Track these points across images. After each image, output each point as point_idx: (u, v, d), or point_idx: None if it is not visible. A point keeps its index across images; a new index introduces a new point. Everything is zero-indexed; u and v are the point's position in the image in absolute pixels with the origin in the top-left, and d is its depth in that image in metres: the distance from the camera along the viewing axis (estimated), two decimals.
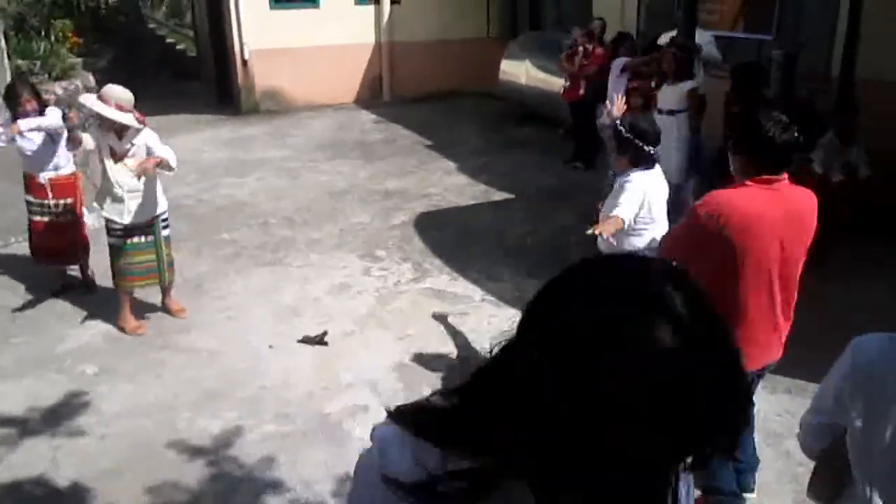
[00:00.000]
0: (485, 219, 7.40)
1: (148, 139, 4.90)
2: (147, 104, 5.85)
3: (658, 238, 3.82)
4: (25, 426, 4.12)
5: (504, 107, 11.91)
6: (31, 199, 5.55)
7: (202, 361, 4.84)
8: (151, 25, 19.58)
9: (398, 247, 6.72)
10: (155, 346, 5.03)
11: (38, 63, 12.07)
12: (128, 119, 4.70)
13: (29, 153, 5.34)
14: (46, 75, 11.57)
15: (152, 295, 5.57)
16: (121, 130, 4.80)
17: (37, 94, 5.37)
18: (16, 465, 3.79)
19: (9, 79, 9.97)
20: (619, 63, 7.47)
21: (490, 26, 13.88)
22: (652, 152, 3.84)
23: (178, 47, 18.86)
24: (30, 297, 5.72)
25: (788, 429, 4.00)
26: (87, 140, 5.01)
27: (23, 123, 5.10)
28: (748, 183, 2.85)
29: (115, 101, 4.68)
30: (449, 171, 9.13)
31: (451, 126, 11.42)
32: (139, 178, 4.79)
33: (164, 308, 5.49)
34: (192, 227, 7.28)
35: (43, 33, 13.24)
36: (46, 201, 5.50)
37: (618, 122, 3.93)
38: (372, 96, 13.42)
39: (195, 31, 17.56)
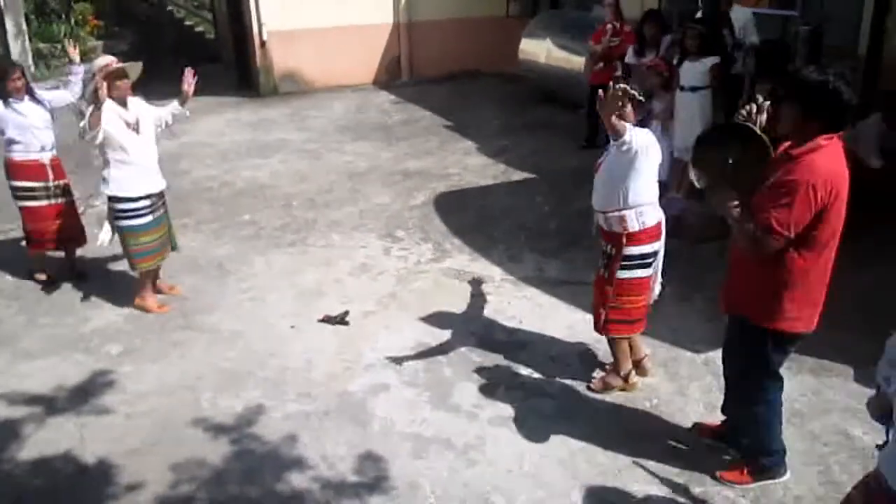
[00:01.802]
0: (505, 199, 7.36)
1: (142, 102, 5.08)
2: (166, 87, 5.87)
3: (656, 196, 3.86)
4: (52, 405, 4.18)
5: (524, 87, 11.81)
6: (23, 184, 5.45)
7: (225, 342, 4.87)
8: (170, 8, 19.61)
9: (418, 227, 6.71)
10: (178, 327, 5.07)
11: (59, 46, 12.17)
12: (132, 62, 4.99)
13: (38, 137, 5.38)
14: (66, 59, 11.65)
15: (172, 275, 5.63)
16: (125, 96, 4.88)
17: (24, 75, 5.44)
18: (43, 443, 3.85)
19: (31, 61, 10.07)
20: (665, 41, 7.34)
21: (510, 5, 13.73)
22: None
23: (196, 30, 18.88)
24: (49, 281, 5.75)
25: (813, 409, 3.98)
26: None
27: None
28: (822, 143, 2.88)
29: (110, 59, 4.87)
30: (469, 151, 9.09)
31: (471, 107, 11.35)
32: (184, 103, 5.18)
33: (155, 289, 5.45)
34: (213, 210, 7.32)
35: (63, 16, 13.35)
36: (48, 183, 5.48)
37: (627, 86, 3.83)
38: (391, 77, 13.36)
39: (214, 13, 17.55)
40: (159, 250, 5.21)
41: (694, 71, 6.31)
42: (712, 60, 6.29)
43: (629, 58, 7.51)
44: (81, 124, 4.74)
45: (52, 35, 12.42)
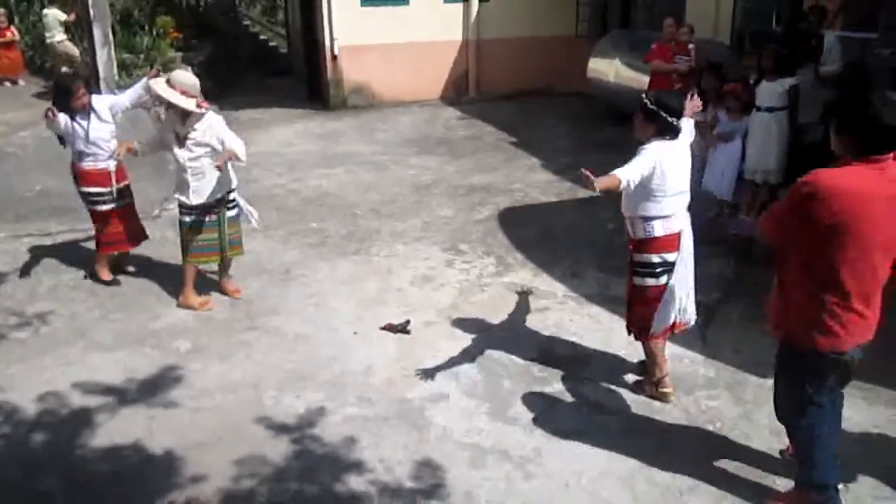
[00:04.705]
0: (569, 216, 7.33)
1: (213, 124, 5.09)
2: (240, 98, 6.13)
3: (673, 209, 3.89)
4: (123, 396, 4.33)
5: (591, 105, 11.78)
6: (91, 190, 5.63)
7: (288, 344, 4.96)
8: (246, 23, 20.22)
9: (482, 241, 6.73)
10: (244, 328, 5.18)
11: (142, 56, 12.67)
12: (190, 105, 4.92)
13: (105, 147, 5.55)
14: (148, 68, 12.11)
15: (239, 278, 5.78)
16: (186, 114, 5.00)
17: (88, 90, 5.55)
18: (114, 432, 3.99)
19: (115, 70, 10.50)
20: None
21: (579, 24, 13.73)
22: (676, 124, 3.87)
23: (270, 44, 19.42)
24: (122, 277, 5.97)
25: (886, 442, 3.83)
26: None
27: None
28: (853, 163, 2.85)
29: (181, 87, 4.92)
30: (534, 167, 9.09)
31: (537, 124, 11.36)
32: (219, 170, 5.01)
33: (220, 290, 5.66)
34: (281, 217, 7.48)
35: (146, 28, 13.89)
36: (111, 188, 5.64)
37: (643, 95, 3.99)
38: (458, 93, 13.48)
39: (287, 28, 18.05)
40: (206, 251, 5.39)
41: (771, 91, 6.19)
42: (790, 81, 6.17)
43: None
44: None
45: (135, 46, 12.95)
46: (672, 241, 3.93)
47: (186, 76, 5.09)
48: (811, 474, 3.26)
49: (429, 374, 4.55)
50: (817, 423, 3.20)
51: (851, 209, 2.80)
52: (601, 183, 3.70)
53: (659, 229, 3.92)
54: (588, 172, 3.67)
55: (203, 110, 5.01)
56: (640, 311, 4.11)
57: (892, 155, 2.83)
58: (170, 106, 4.97)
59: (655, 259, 3.97)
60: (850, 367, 3.14)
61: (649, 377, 4.28)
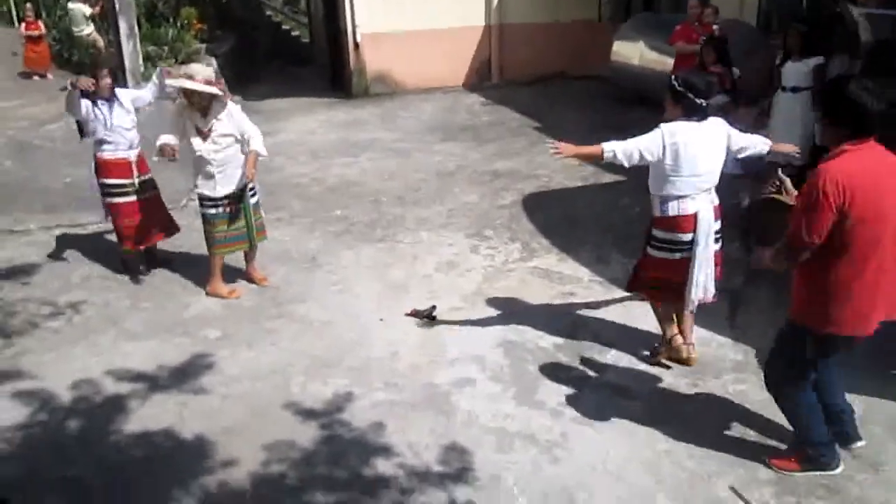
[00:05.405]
0: (594, 200, 7.30)
1: (233, 114, 5.12)
2: (263, 88, 6.15)
3: (689, 190, 3.91)
4: (155, 383, 4.40)
5: (615, 89, 11.67)
6: (113, 181, 5.66)
7: (314, 331, 5.01)
8: (269, 13, 20.29)
9: (506, 226, 6.72)
10: (271, 316, 5.24)
11: (166, 48, 12.78)
12: (217, 90, 4.98)
13: (125, 136, 5.60)
14: (173, 59, 12.22)
15: (264, 266, 5.83)
16: (207, 108, 5.04)
17: (114, 75, 5.66)
18: (146, 418, 4.06)
19: (141, 62, 10.60)
20: None
21: (602, 8, 13.60)
22: (704, 105, 3.88)
23: (292, 33, 19.48)
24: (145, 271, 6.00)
25: None
26: (168, 137, 5.22)
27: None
28: (847, 148, 2.93)
29: (203, 77, 4.96)
30: None
31: (560, 109, 11.29)
32: (249, 179, 5.16)
33: (247, 277, 5.71)
34: (305, 205, 7.53)
35: (171, 20, 14.00)
36: (131, 180, 5.66)
37: (672, 77, 4.03)
38: (480, 79, 13.43)
39: (309, 17, 18.08)
40: (232, 241, 5.44)
41: (796, 71, 6.11)
42: (816, 61, 6.07)
43: None
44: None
45: (159, 38, 13.07)
46: (685, 222, 3.96)
47: (204, 67, 5.17)
48: (804, 435, 3.43)
49: (454, 359, 4.57)
50: (802, 393, 3.36)
51: (872, 190, 2.88)
52: (574, 150, 4.02)
53: (673, 209, 3.98)
54: (553, 141, 3.89)
55: (227, 100, 5.05)
56: (643, 276, 4.27)
57: (871, 139, 2.94)
58: (191, 102, 5.02)
59: (667, 236, 4.05)
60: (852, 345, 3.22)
61: (663, 339, 4.34)
